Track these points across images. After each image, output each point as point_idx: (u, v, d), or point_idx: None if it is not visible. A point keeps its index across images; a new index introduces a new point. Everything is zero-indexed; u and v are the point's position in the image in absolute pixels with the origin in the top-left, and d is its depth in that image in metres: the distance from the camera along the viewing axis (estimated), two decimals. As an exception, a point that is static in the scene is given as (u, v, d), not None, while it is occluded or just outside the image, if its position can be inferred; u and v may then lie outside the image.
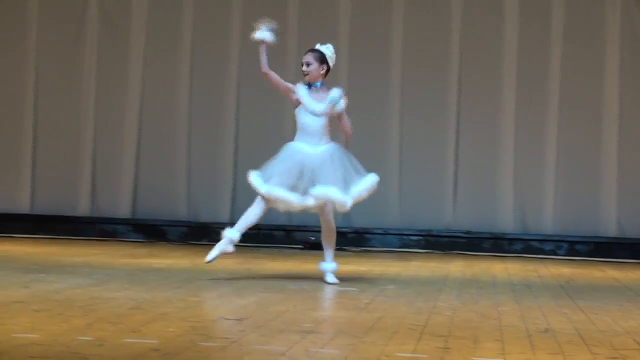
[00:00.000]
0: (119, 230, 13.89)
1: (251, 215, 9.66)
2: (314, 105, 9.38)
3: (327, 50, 9.56)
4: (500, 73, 13.67)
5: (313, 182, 9.29)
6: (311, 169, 9.32)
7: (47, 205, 13.97)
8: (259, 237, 13.55)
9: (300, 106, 9.41)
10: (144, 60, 13.99)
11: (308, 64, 9.51)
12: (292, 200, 9.38)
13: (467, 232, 13.68)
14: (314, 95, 9.45)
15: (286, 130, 13.69)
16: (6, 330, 6.27)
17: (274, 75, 9.47)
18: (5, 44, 14.08)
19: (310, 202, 9.32)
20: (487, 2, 13.72)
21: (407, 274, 10.79)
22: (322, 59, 9.51)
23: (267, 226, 13.60)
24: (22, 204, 14.00)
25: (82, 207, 13.94)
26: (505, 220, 13.69)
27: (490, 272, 11.29)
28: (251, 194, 13.68)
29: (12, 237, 13.55)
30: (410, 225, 13.72)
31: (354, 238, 13.61)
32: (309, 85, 9.48)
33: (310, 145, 9.40)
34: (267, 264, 11.25)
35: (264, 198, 9.48)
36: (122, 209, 13.94)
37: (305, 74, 9.52)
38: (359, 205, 13.46)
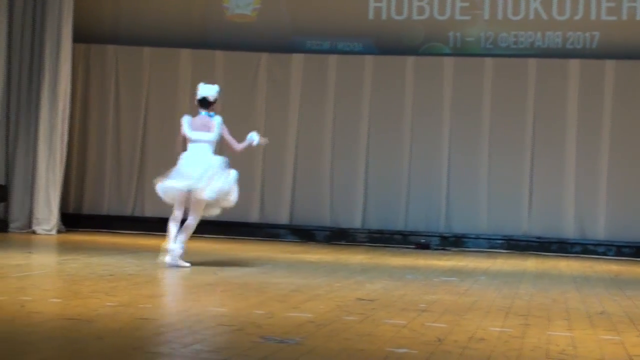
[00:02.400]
0: (280, 233, 13.94)
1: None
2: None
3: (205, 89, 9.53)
4: (564, 113, 13.48)
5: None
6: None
7: (228, 213, 14.05)
8: (383, 240, 13.54)
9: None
10: (299, 107, 14.03)
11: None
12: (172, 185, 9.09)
13: (539, 238, 13.48)
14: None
15: (404, 147, 13.69)
16: (202, 304, 6.38)
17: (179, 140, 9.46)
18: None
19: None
20: (555, 68, 13.55)
21: (494, 268, 10.69)
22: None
23: (389, 231, 13.60)
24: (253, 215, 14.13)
25: (254, 215, 14.01)
26: (567, 228, 13.48)
27: (557, 268, 11.12)
28: (379, 204, 13.78)
29: (201, 237, 13.69)
30: (496, 231, 13.57)
31: (454, 241, 13.49)
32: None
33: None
34: (389, 260, 11.22)
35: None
36: (283, 217, 13.99)
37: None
38: (458, 215, 13.57)
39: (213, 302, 6.55)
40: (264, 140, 9.59)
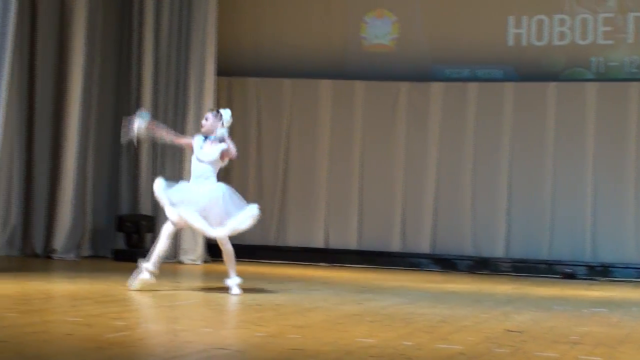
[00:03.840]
0: (421, 262, 13.87)
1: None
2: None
3: (226, 114, 9.16)
4: (624, 147, 13.18)
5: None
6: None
7: (370, 242, 14.10)
8: (527, 269, 13.32)
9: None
10: (439, 135, 13.97)
11: (206, 119, 9.08)
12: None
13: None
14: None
15: (546, 174, 13.46)
16: (350, 335, 6.38)
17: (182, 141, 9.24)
18: (339, 133, 14.27)
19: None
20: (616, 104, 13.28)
21: (644, 298, 10.38)
22: (219, 118, 9.12)
23: (533, 260, 13.38)
24: (351, 241, 14.15)
25: (395, 244, 13.98)
26: None
27: None
28: (522, 233, 13.56)
29: (343, 266, 13.77)
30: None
31: (601, 270, 13.15)
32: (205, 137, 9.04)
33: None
34: (535, 290, 11.01)
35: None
36: (424, 246, 13.92)
37: (201, 127, 9.12)
38: (604, 244, 13.23)
39: (361, 332, 6.54)
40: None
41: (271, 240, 14.25)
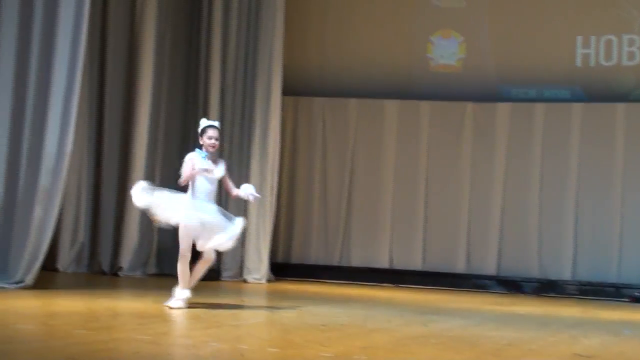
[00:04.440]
0: (487, 284, 13.76)
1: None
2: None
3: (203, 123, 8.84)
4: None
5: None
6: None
7: (434, 263, 14.03)
8: (594, 292, 13.15)
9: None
10: (506, 156, 13.88)
11: (217, 139, 8.78)
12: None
13: None
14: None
15: (615, 196, 13.29)
16: (416, 357, 6.33)
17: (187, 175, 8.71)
18: (404, 153, 14.25)
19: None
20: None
21: None
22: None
23: (600, 283, 13.21)
24: (414, 262, 14.10)
25: (460, 266, 13.90)
26: None
27: None
28: (589, 255, 13.37)
29: (408, 287, 13.71)
30: None
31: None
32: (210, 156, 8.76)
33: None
34: (603, 313, 10.85)
35: None
36: (490, 268, 13.80)
37: (213, 146, 8.75)
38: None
39: (426, 355, 6.49)
40: (255, 197, 9.14)
41: (335, 260, 14.25)
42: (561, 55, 13.81)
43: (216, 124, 8.93)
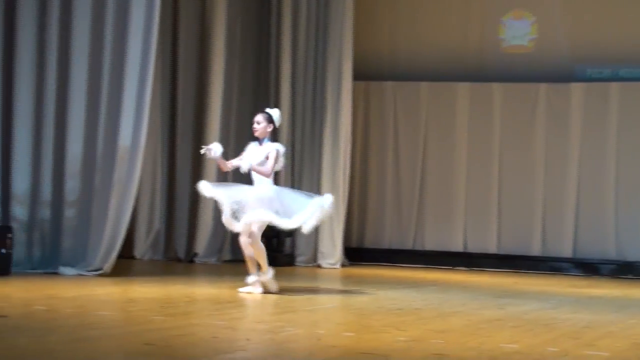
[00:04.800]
0: (563, 266, 13.62)
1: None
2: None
3: (274, 113, 8.80)
4: None
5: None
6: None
7: (509, 245, 13.92)
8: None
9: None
10: (580, 137, 13.69)
11: (258, 123, 8.71)
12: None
13: None
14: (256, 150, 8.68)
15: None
16: (493, 340, 6.30)
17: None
18: (477, 136, 14.13)
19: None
20: None
21: None
22: (269, 119, 8.76)
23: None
24: (489, 245, 14.01)
25: (536, 248, 13.77)
26: None
27: None
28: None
29: (482, 270, 13.63)
30: None
31: None
32: (260, 142, 8.70)
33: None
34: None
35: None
36: (566, 250, 13.66)
37: (254, 131, 8.71)
38: None
39: (504, 338, 6.45)
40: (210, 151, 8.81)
41: (409, 244, 14.22)
42: (637, 32, 13.56)
43: (268, 110, 8.89)
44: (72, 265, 9.87)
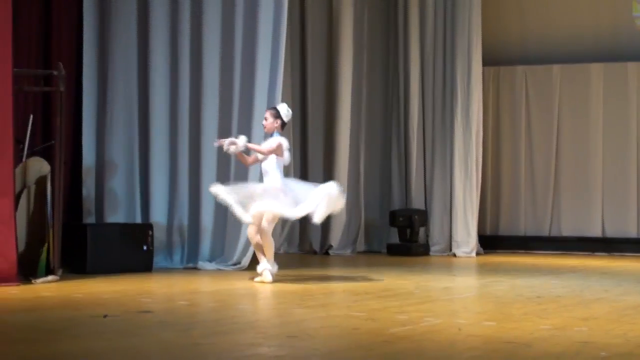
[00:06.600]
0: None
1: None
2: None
3: (282, 108, 8.82)
4: None
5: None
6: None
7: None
8: None
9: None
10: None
11: (266, 119, 8.87)
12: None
13: None
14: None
15: None
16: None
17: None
18: (613, 117, 13.83)
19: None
20: None
21: None
22: (276, 115, 8.80)
23: None
24: (629, 229, 13.68)
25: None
26: None
27: None
28: None
29: (623, 255, 13.33)
30: None
31: None
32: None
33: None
34: None
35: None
36: None
37: (264, 127, 8.94)
38: None
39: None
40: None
41: (545, 230, 14.00)
42: None
43: (277, 105, 9.10)
44: (211, 260, 10.11)
